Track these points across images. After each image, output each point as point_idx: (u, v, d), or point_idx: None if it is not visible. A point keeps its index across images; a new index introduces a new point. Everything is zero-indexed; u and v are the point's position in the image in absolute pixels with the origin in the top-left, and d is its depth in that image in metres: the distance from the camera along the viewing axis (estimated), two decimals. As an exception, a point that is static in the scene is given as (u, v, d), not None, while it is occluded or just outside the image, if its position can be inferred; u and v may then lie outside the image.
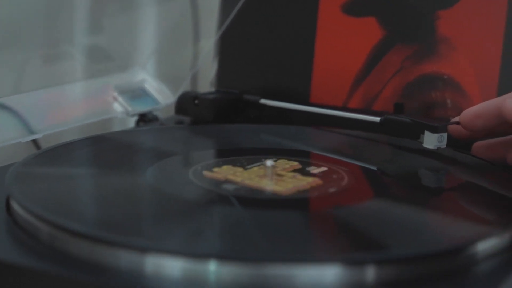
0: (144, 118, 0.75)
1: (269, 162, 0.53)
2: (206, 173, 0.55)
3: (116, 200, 0.51)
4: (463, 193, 0.56)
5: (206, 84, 0.83)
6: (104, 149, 0.62)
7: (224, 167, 0.56)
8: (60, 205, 0.49)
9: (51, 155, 0.59)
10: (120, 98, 0.74)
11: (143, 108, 0.76)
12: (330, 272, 0.42)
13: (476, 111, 0.59)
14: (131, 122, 0.79)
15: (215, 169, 0.56)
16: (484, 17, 0.68)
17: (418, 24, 0.70)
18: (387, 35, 0.71)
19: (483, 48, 0.68)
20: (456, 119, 0.61)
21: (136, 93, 0.77)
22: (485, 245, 0.45)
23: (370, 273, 0.42)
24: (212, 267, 0.41)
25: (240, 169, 0.56)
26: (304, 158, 0.60)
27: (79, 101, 0.73)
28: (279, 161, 0.57)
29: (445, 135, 0.59)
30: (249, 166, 0.56)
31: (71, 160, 0.59)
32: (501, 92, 0.67)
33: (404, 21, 0.71)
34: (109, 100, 0.74)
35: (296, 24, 0.75)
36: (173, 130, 0.70)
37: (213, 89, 0.78)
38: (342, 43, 0.73)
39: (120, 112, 0.74)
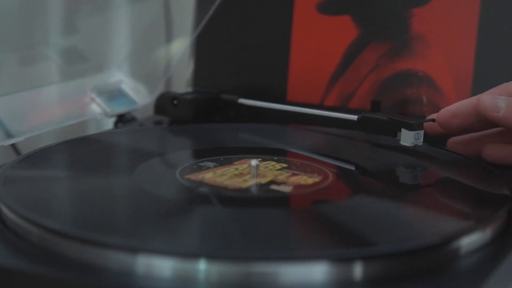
0: (122, 119, 0.76)
1: (254, 162, 0.54)
2: (192, 173, 0.55)
3: (105, 201, 0.52)
4: (445, 188, 0.57)
5: (182, 83, 0.83)
6: (91, 150, 0.62)
7: (212, 168, 0.57)
8: (49, 207, 0.50)
9: (37, 158, 0.59)
10: (98, 99, 0.74)
11: (121, 109, 0.76)
12: (318, 269, 0.42)
13: (453, 110, 0.60)
14: (107, 124, 0.80)
15: (201, 169, 0.56)
16: (458, 14, 0.69)
17: (392, 22, 0.71)
18: (362, 33, 0.72)
19: (457, 45, 0.69)
20: (432, 116, 0.62)
21: (114, 94, 0.77)
22: (470, 240, 0.46)
23: (357, 269, 0.43)
24: (201, 266, 0.42)
25: (225, 168, 0.56)
26: (286, 157, 0.60)
27: (57, 103, 0.73)
28: (265, 162, 0.58)
29: (421, 132, 0.60)
30: (233, 166, 0.57)
31: (58, 162, 0.59)
32: (475, 88, 0.68)
33: (379, 19, 0.72)
34: (87, 101, 0.74)
35: (272, 24, 0.76)
36: (158, 131, 0.70)
37: (189, 89, 0.79)
38: (317, 41, 0.74)
39: (99, 113, 0.74)
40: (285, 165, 0.57)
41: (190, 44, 0.79)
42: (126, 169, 0.57)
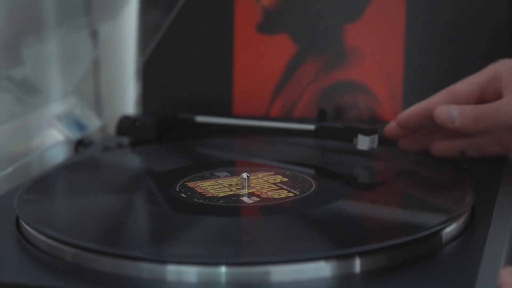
0: (82, 143, 0.80)
1: (244, 175, 0.61)
2: (195, 187, 0.61)
3: (125, 218, 0.57)
4: (412, 184, 0.65)
5: (130, 104, 0.88)
6: (101, 170, 0.67)
7: (204, 182, 0.63)
8: (78, 228, 0.55)
9: (45, 182, 0.64)
10: (59, 126, 0.79)
11: (80, 133, 0.80)
12: (327, 267, 0.49)
13: (412, 113, 0.68)
14: (51, 158, 0.82)
15: (199, 184, 0.62)
16: (386, 28, 0.77)
17: (327, 37, 0.79)
18: (300, 49, 0.80)
19: (387, 55, 0.78)
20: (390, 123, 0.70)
21: (71, 120, 0.81)
22: (451, 229, 0.53)
23: (357, 264, 0.49)
24: (223, 271, 0.48)
25: (214, 181, 0.63)
26: (263, 167, 0.67)
27: (20, 137, 0.76)
28: (260, 174, 0.64)
29: (376, 136, 0.68)
30: (223, 179, 0.63)
31: (68, 185, 0.64)
32: (406, 92, 0.77)
33: (315, 36, 0.79)
34: (48, 129, 0.78)
35: (214, 45, 0.82)
36: (144, 151, 0.75)
37: (138, 109, 0.84)
38: (259, 59, 0.81)
39: (62, 140, 0.79)
40: (270, 175, 0.64)
41: (138, 68, 0.84)
42: (129, 188, 0.62)
